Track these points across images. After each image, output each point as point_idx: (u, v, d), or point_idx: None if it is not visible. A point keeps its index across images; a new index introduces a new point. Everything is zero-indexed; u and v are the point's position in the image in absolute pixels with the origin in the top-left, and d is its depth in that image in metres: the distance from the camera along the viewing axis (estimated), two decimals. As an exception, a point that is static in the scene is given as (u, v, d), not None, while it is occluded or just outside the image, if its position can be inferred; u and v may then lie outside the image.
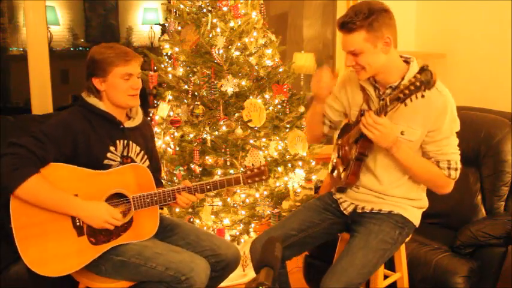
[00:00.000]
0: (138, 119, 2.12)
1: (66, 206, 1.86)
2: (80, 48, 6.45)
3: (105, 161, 1.96)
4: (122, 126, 2.03)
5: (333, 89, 2.12)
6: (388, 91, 1.91)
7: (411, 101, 1.68)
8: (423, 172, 1.92)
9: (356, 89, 2.05)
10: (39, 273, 1.84)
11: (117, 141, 2.01)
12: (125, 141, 2.03)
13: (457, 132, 1.92)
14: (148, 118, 2.85)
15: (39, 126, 1.89)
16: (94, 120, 1.97)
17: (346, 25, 1.81)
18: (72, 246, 1.89)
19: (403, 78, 1.87)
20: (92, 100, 1.99)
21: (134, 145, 2.07)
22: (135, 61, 1.98)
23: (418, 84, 1.63)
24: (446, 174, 1.90)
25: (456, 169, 1.90)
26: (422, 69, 1.64)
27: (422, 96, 1.66)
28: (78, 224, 1.90)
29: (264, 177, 2.12)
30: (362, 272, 1.85)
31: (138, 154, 2.08)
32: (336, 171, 2.15)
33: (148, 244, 1.97)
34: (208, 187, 2.04)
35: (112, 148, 1.99)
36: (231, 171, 2.72)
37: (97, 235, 1.92)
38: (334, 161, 2.18)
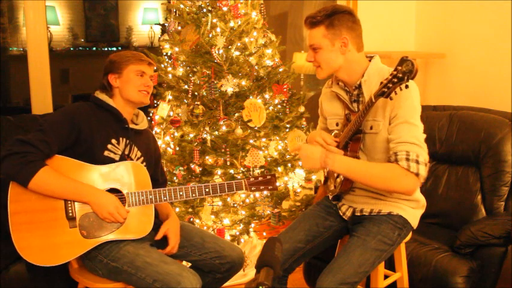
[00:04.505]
0: (142, 125, 2.18)
1: (79, 193, 1.91)
2: (80, 48, 6.45)
3: (106, 152, 1.98)
4: (126, 126, 2.07)
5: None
6: (356, 92, 1.94)
7: (396, 93, 1.67)
8: (374, 174, 1.79)
9: (333, 100, 2.08)
10: (29, 260, 1.86)
11: (121, 138, 2.04)
12: (128, 141, 2.06)
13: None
14: (148, 118, 2.85)
15: (45, 118, 1.95)
16: (100, 115, 2.03)
17: (309, 20, 1.92)
18: (63, 237, 1.90)
19: (362, 76, 1.90)
20: (102, 96, 2.08)
21: (136, 149, 2.10)
22: (149, 63, 2.13)
23: (400, 75, 1.61)
24: (404, 166, 1.72)
25: (417, 162, 1.72)
26: (403, 60, 1.62)
27: (406, 86, 1.64)
28: (71, 215, 1.91)
29: (270, 187, 2.13)
30: (358, 271, 1.84)
31: (138, 159, 2.10)
32: (329, 181, 2.14)
33: (141, 252, 1.95)
34: (207, 190, 2.05)
35: (114, 141, 2.02)
36: (231, 171, 2.72)
37: (89, 229, 1.93)
38: (327, 170, 2.16)
